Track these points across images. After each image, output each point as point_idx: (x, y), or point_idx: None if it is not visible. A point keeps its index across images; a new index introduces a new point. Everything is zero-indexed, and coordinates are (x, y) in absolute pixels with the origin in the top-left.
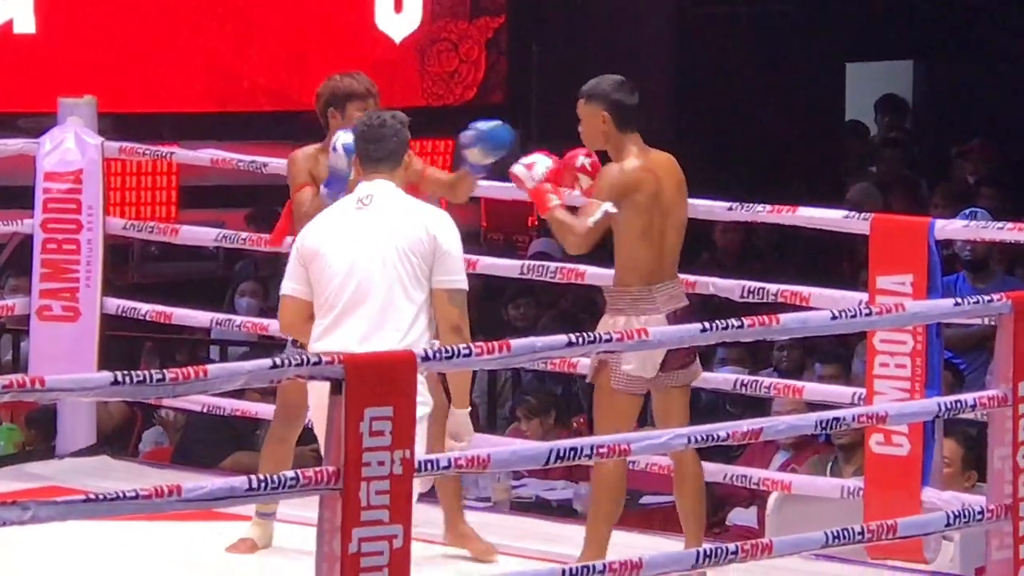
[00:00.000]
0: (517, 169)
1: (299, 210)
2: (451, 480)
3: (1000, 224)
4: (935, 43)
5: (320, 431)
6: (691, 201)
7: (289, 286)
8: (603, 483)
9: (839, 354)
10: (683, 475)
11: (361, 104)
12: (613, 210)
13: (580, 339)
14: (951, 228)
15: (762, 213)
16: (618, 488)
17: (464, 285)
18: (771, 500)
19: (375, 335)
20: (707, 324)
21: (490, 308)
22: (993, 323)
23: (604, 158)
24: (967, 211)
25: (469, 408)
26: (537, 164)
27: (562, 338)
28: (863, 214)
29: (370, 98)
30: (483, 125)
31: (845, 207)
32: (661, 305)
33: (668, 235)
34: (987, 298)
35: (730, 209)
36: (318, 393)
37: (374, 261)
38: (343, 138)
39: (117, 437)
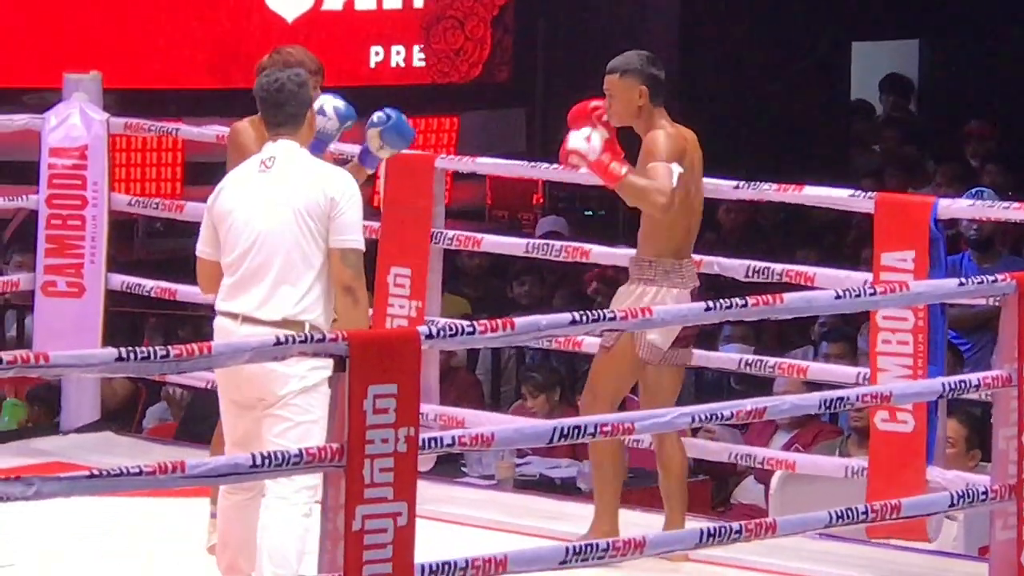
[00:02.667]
0: (577, 144)
1: None
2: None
3: (1005, 204)
4: (941, 22)
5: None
6: None
7: (199, 247)
8: (600, 450)
9: (846, 332)
10: (666, 455)
11: (315, 80)
12: (682, 169)
13: (584, 317)
14: (955, 207)
15: (768, 192)
16: (616, 453)
17: (359, 245)
18: (774, 479)
19: (272, 298)
20: (711, 303)
21: (496, 286)
22: (998, 303)
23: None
24: (974, 190)
25: None
26: (594, 137)
27: (566, 316)
28: (868, 193)
29: (319, 74)
30: (395, 113)
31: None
32: (688, 280)
33: (696, 211)
34: (991, 278)
35: (736, 187)
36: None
37: (272, 223)
38: (332, 102)
39: (121, 413)
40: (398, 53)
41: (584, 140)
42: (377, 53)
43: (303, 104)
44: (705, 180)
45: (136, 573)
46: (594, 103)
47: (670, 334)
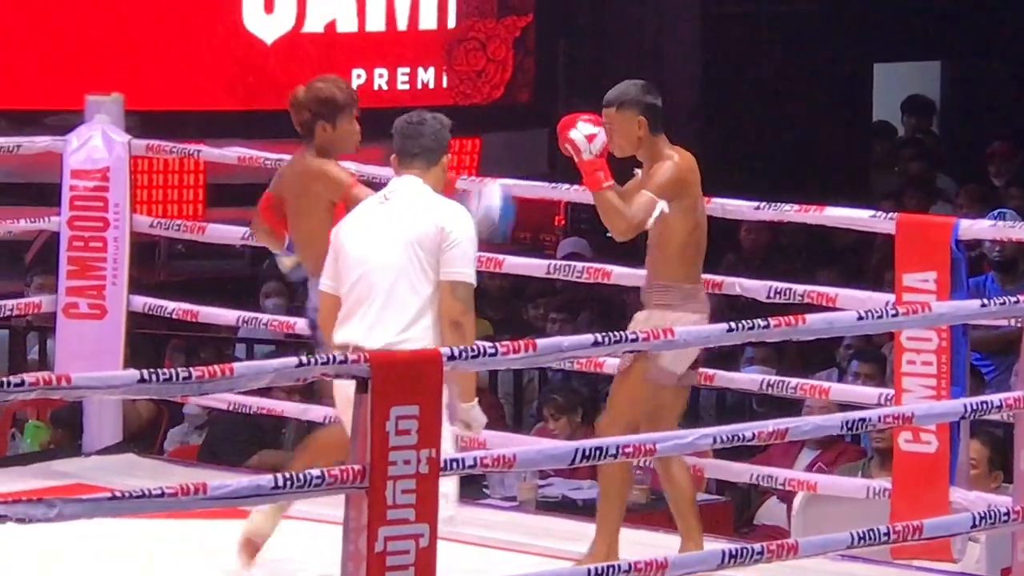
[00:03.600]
0: (576, 136)
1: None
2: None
3: None
4: (963, 44)
5: (347, 427)
6: (718, 200)
7: (322, 280)
8: (609, 477)
9: (876, 353)
10: (673, 477)
11: (350, 110)
12: (667, 210)
13: (607, 339)
14: (977, 228)
15: (790, 212)
16: (625, 479)
17: (469, 279)
18: (797, 500)
19: (377, 327)
20: (733, 324)
21: (517, 307)
22: (1020, 324)
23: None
24: (995, 212)
25: (475, 400)
26: (597, 138)
27: (588, 337)
28: (889, 214)
29: (352, 104)
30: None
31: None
32: (705, 304)
33: (705, 234)
34: (1013, 299)
35: (757, 208)
36: (345, 391)
37: (382, 253)
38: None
39: (143, 435)
40: (380, 76)
41: (586, 138)
42: (359, 76)
43: (441, 143)
44: (726, 201)
45: (136, 573)
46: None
47: (686, 359)
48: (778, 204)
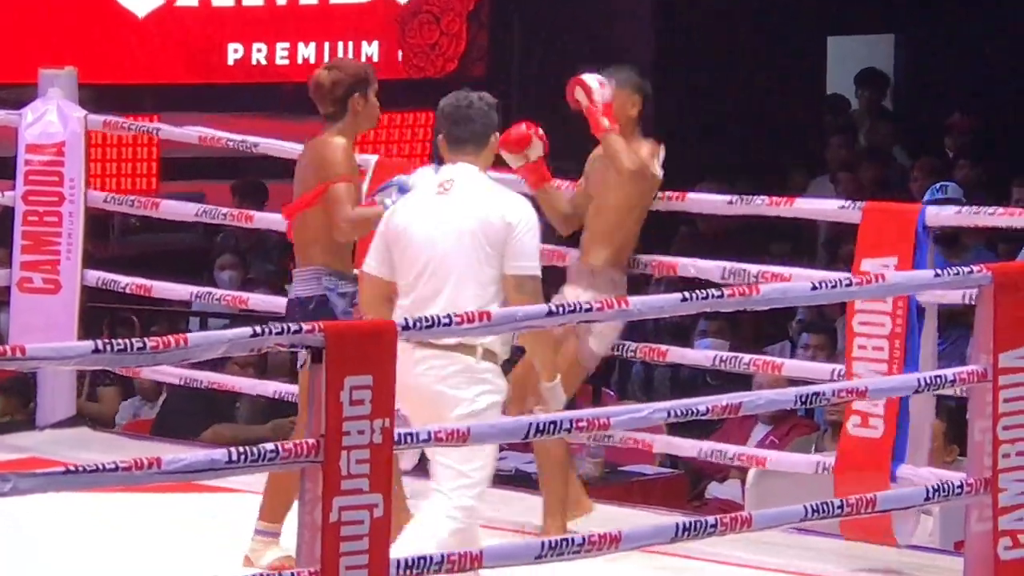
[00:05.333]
0: (590, 80)
1: (339, 201)
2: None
3: (991, 209)
4: (916, 17)
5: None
6: (692, 195)
7: (367, 262)
8: (545, 453)
9: (826, 325)
10: (544, 449)
11: (375, 88)
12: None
13: (560, 308)
14: (944, 215)
15: (761, 206)
16: (564, 453)
17: (535, 272)
18: (750, 474)
19: None
20: (688, 294)
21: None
22: (971, 301)
23: None
24: (937, 185)
25: (558, 377)
26: (606, 87)
27: (543, 307)
28: (856, 203)
29: (369, 81)
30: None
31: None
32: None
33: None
34: (967, 269)
35: (730, 203)
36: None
37: (448, 246)
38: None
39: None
40: (259, 51)
41: (599, 83)
42: (236, 51)
43: (490, 126)
44: (699, 196)
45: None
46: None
47: (608, 340)
48: (749, 198)
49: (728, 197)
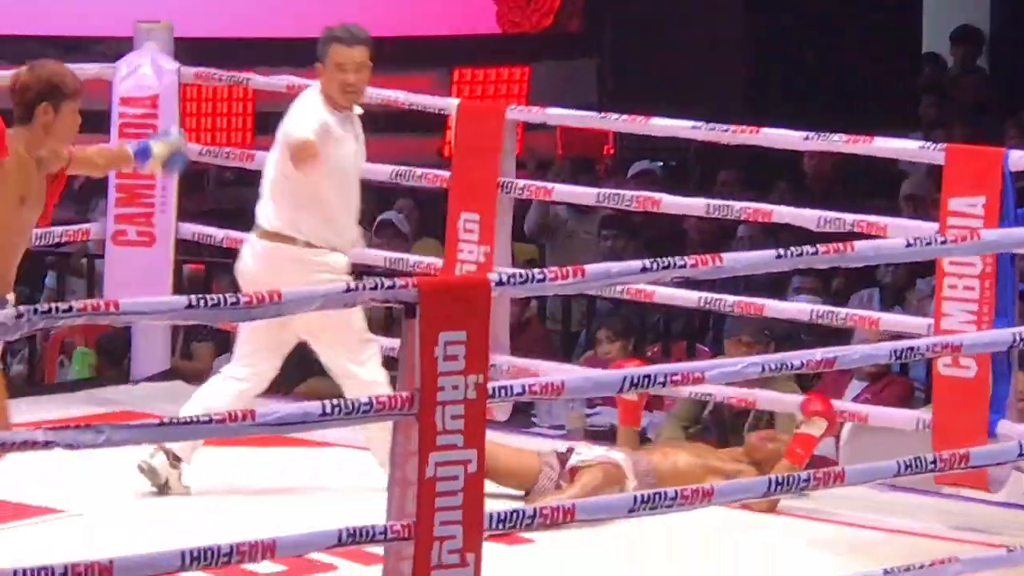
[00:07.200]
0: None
1: None
2: None
3: None
4: None
5: None
6: (767, 131)
7: None
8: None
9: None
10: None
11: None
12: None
13: (655, 265)
14: None
15: (838, 143)
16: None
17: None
18: (844, 430)
19: None
20: (783, 251)
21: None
22: None
23: None
24: None
25: None
26: None
27: (636, 264)
28: (938, 144)
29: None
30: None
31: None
32: None
33: None
34: None
35: (806, 139)
36: None
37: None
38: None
39: None
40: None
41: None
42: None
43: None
44: (775, 131)
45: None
46: None
47: None
48: (826, 134)
49: (804, 133)
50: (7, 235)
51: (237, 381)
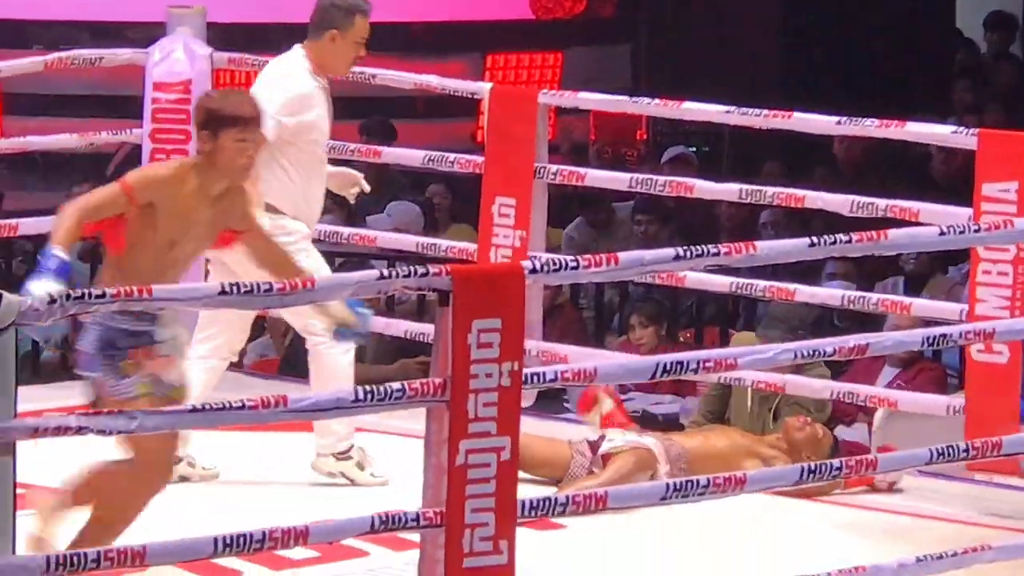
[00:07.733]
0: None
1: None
2: None
3: None
4: None
5: None
6: (799, 115)
7: None
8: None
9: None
10: None
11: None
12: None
13: (688, 252)
14: None
15: (871, 128)
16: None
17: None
18: (877, 416)
19: None
20: (815, 239)
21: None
22: None
23: None
24: None
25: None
26: None
27: (670, 251)
28: (970, 129)
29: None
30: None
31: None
32: None
33: None
34: None
35: (839, 123)
36: None
37: None
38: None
39: None
40: None
41: None
42: None
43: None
44: (808, 116)
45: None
46: None
47: None
48: (859, 119)
49: (836, 118)
50: (152, 276)
51: (202, 359)
